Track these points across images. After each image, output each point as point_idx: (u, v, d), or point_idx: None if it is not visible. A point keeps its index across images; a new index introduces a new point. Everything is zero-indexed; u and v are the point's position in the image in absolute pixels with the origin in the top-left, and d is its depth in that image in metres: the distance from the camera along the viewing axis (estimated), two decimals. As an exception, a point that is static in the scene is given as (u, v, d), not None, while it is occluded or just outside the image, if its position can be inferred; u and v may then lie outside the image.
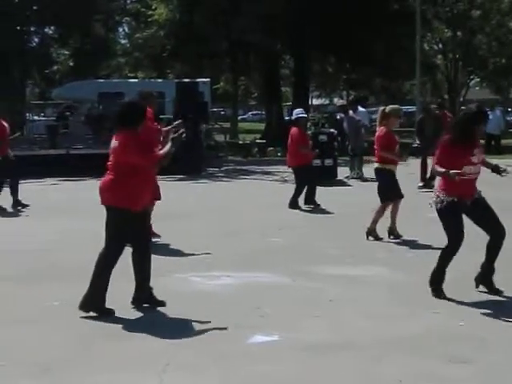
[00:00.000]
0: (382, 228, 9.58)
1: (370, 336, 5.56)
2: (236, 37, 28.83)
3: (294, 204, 12.50)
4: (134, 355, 5.18)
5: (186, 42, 31.27)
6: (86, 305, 6.10)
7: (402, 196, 9.59)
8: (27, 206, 12.78)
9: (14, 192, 12.80)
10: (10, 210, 12.63)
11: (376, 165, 9.68)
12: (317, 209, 12.44)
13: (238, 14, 27.23)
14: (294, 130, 12.79)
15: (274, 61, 35.54)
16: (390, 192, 9.49)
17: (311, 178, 12.69)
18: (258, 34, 27.60)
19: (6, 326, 5.90)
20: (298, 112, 13.14)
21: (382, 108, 9.86)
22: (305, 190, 12.62)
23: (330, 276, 7.54)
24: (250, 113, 70.71)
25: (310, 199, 12.58)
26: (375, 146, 9.63)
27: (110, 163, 6.32)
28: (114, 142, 6.29)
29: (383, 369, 4.93)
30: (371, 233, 9.52)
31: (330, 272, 7.71)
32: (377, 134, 9.61)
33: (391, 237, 9.54)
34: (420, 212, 10.17)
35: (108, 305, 6.17)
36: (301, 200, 12.60)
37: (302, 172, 12.67)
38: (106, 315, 6.07)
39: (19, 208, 12.71)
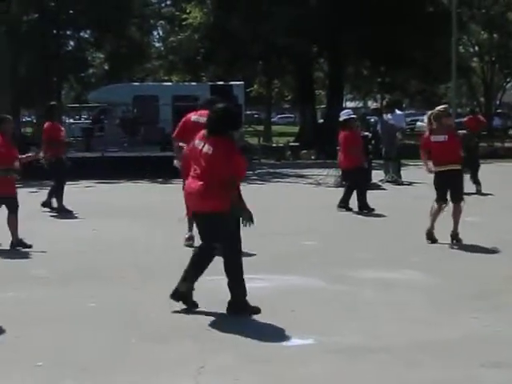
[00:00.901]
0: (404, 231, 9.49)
1: (405, 340, 5.53)
2: (270, 40, 28.84)
3: (343, 205, 12.44)
4: (170, 357, 5.20)
5: (220, 45, 31.40)
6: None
7: (444, 201, 9.46)
8: (55, 209, 12.86)
9: (55, 194, 12.85)
10: (44, 211, 12.74)
11: (452, 166, 9.60)
12: (351, 212, 12.37)
13: (273, 16, 27.23)
14: (343, 131, 12.67)
15: (308, 63, 35.51)
16: (437, 194, 9.43)
17: (360, 181, 12.61)
18: (293, 36, 27.58)
19: (43, 326, 5.95)
20: (346, 113, 13.02)
21: (429, 113, 9.80)
22: (343, 194, 12.55)
23: (364, 279, 7.50)
24: (278, 116, 70.57)
25: (364, 203, 12.48)
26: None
27: (201, 169, 6.27)
28: (206, 148, 6.23)
29: (418, 373, 4.89)
30: (429, 235, 9.46)
31: (364, 275, 7.67)
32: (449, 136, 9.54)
33: (453, 240, 9.46)
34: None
35: (149, 306, 6.19)
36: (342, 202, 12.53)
37: (353, 174, 12.59)
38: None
39: (50, 210, 12.80)
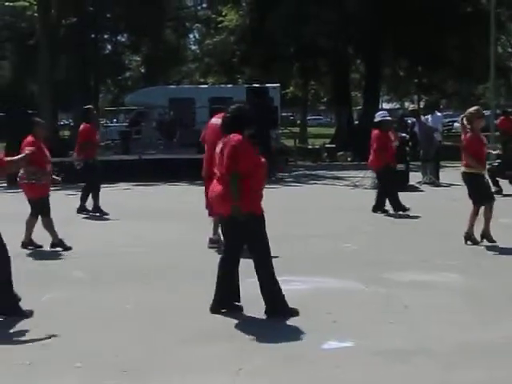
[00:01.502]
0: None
1: (445, 343, 5.47)
2: (306, 41, 28.79)
3: (378, 207, 12.37)
4: (208, 358, 5.21)
5: (255, 47, 31.43)
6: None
7: (492, 199, 9.39)
8: (90, 211, 12.95)
9: (92, 196, 12.97)
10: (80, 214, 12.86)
11: (463, 169, 9.51)
12: (387, 214, 12.28)
13: (309, 18, 27.17)
14: (375, 132, 12.60)
15: (344, 65, 35.39)
16: (480, 196, 9.32)
17: (389, 182, 12.53)
18: (330, 38, 27.50)
19: (82, 327, 6.02)
20: (381, 114, 12.93)
21: (462, 116, 9.71)
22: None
23: (403, 282, 7.45)
24: (308, 117, 70.01)
25: (396, 204, 12.39)
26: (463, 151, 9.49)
27: (220, 171, 6.31)
28: (220, 149, 6.28)
29: (457, 376, 4.84)
30: (469, 237, 9.36)
31: (403, 278, 7.62)
32: (464, 139, 9.45)
33: (483, 240, 9.36)
34: (494, 217, 9.94)
35: (187, 307, 6.24)
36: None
37: (384, 173, 12.52)
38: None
39: (84, 213, 12.90)
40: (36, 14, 30.62)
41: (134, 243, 9.91)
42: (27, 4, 32.70)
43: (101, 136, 30.85)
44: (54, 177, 9.92)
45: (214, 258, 8.31)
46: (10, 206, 12.99)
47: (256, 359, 5.18)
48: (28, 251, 9.48)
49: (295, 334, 5.73)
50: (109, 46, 48.65)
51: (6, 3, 36.26)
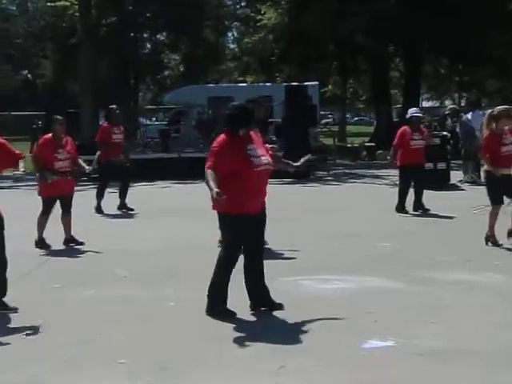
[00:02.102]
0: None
1: (487, 343, 5.39)
2: (345, 39, 28.64)
3: (400, 208, 12.26)
4: (248, 357, 5.20)
5: (294, 46, 31.37)
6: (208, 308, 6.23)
7: (500, 202, 9.19)
8: (132, 209, 13.06)
9: (97, 194, 13.07)
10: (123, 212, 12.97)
11: (485, 167, 9.41)
12: (426, 213, 12.15)
13: (348, 15, 27.03)
14: (405, 128, 12.45)
15: (384, 63, 35.15)
16: (493, 195, 9.16)
17: (416, 181, 12.40)
18: (369, 35, 27.32)
19: (124, 324, 6.06)
20: (412, 111, 12.75)
21: (489, 111, 9.53)
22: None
23: (444, 282, 7.35)
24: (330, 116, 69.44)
25: (401, 204, 12.28)
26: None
27: None
28: None
29: (500, 376, 4.77)
30: (489, 238, 9.22)
31: (444, 278, 7.52)
32: (484, 137, 9.32)
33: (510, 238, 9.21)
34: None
35: (228, 305, 6.24)
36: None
37: (404, 172, 12.38)
38: (229, 317, 6.13)
39: (126, 211, 12.99)
40: (77, 14, 30.98)
41: (174, 241, 9.95)
42: (68, 4, 33.13)
43: (140, 135, 31.14)
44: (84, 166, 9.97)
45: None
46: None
47: (296, 358, 5.15)
48: (66, 248, 9.58)
49: (336, 334, 5.70)
50: (148, 45, 48.99)
51: (48, 3, 36.76)
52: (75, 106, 26.29)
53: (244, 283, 6.36)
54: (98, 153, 12.99)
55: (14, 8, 68.03)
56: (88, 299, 6.92)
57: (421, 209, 12.29)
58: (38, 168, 9.47)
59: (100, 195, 12.99)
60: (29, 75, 71.25)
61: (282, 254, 8.87)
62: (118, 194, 13.21)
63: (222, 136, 6.17)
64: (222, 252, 6.28)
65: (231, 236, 6.22)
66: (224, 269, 6.24)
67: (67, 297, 7.01)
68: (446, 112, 19.91)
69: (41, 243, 9.58)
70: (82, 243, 9.71)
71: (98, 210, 12.88)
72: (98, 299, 6.90)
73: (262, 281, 6.37)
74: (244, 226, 6.13)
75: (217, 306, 6.20)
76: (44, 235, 9.60)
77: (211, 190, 5.81)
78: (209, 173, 5.94)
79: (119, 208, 13.06)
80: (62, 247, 9.60)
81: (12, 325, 6.09)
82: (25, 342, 5.60)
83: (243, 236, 6.21)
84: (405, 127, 12.42)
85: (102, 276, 7.91)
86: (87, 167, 10.12)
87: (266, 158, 6.25)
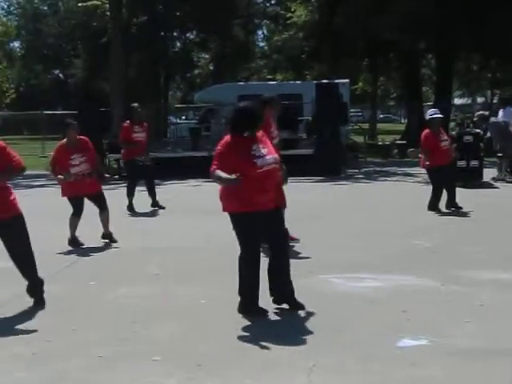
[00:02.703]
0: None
1: (524, 343, 5.33)
2: (376, 36, 28.48)
3: (432, 206, 12.17)
4: (282, 354, 5.20)
5: (324, 43, 31.28)
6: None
7: None
8: (163, 207, 13.11)
9: (153, 193, 13.18)
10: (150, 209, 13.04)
11: None
12: (459, 212, 12.03)
13: (380, 13, 26.88)
14: (424, 132, 12.32)
15: (415, 60, 34.91)
16: None
17: (448, 181, 12.28)
18: (400, 32, 27.13)
19: (158, 321, 6.08)
20: (432, 112, 12.59)
21: None
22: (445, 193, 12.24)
23: (480, 280, 7.28)
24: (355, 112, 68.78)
25: (451, 202, 12.16)
26: None
27: None
28: None
29: (539, 378, 4.71)
30: None
31: (480, 276, 7.45)
32: None
33: None
34: None
35: (260, 303, 6.22)
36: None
37: (435, 173, 12.28)
38: (261, 315, 6.13)
39: (157, 209, 13.05)
40: (108, 13, 31.19)
41: (205, 239, 9.97)
42: (99, 3, 33.35)
43: (170, 133, 31.25)
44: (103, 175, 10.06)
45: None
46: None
47: (329, 357, 5.13)
48: (100, 246, 9.66)
49: (369, 332, 5.67)
50: (178, 44, 49.16)
51: (79, 3, 37.06)
52: (106, 105, 26.50)
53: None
54: (123, 152, 13.10)
55: (46, 8, 68.77)
56: (122, 296, 6.96)
57: (454, 207, 12.18)
58: (54, 175, 9.60)
59: (130, 194, 13.07)
60: (60, 74, 72.01)
61: (315, 252, 8.85)
62: (147, 193, 13.27)
63: (227, 137, 6.16)
64: (240, 252, 6.28)
65: (242, 235, 6.20)
66: (246, 268, 6.21)
67: (102, 294, 7.07)
68: (474, 119, 19.72)
69: (73, 242, 9.67)
70: (115, 241, 9.78)
71: (130, 208, 12.96)
72: (132, 296, 6.94)
73: (284, 279, 6.30)
74: (252, 223, 6.11)
75: (248, 305, 6.20)
76: (77, 234, 9.69)
77: (228, 180, 5.84)
78: (216, 172, 5.97)
79: (152, 206, 13.14)
80: (96, 245, 9.67)
81: (47, 321, 6.15)
82: (60, 338, 5.65)
83: (255, 234, 6.19)
84: (426, 130, 12.21)
85: (136, 273, 7.96)
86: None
87: (272, 157, 6.18)
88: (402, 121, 67.95)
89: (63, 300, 6.87)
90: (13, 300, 6.86)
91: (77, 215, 9.69)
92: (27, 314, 6.34)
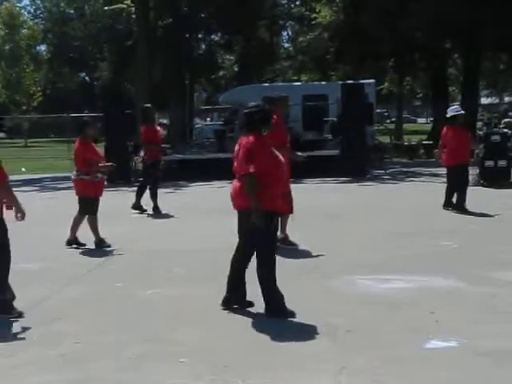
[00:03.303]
0: None
1: (555, 345, 5.26)
2: (402, 36, 28.31)
3: (460, 206, 12.07)
4: (310, 356, 5.18)
5: (350, 43, 31.17)
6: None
7: None
8: (145, 210, 13.08)
9: (154, 196, 13.16)
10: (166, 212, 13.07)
11: None
12: (483, 212, 11.95)
13: (406, 13, 26.72)
14: (450, 128, 12.22)
15: (441, 59, 34.67)
16: None
17: (463, 180, 12.20)
18: (426, 32, 26.95)
19: (185, 324, 6.09)
20: (454, 109, 12.44)
21: None
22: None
23: (507, 281, 7.21)
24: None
25: (461, 202, 12.09)
26: None
27: (234, 169, 6.45)
28: (236, 147, 6.37)
29: None
30: None
31: (507, 277, 7.37)
32: None
33: None
34: None
35: (287, 304, 6.21)
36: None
37: (456, 172, 12.19)
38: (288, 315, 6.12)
39: (137, 211, 13.02)
40: (133, 16, 31.34)
41: (230, 239, 9.94)
42: (125, 6, 33.53)
43: (195, 135, 31.30)
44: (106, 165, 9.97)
45: (312, 254, 8.33)
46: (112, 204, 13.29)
47: (358, 358, 5.10)
48: (126, 247, 9.69)
49: (397, 333, 5.63)
50: (203, 46, 49.24)
51: (105, 7, 37.28)
52: (131, 107, 26.60)
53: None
54: (142, 154, 13.13)
55: (72, 11, 69.29)
56: (149, 298, 6.98)
57: (451, 207, 12.09)
58: (95, 169, 9.61)
59: (154, 195, 13.12)
60: (86, 77, 72.54)
61: (341, 253, 8.81)
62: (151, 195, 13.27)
63: (251, 137, 6.15)
64: (261, 253, 6.26)
65: (267, 234, 6.20)
66: (271, 269, 6.21)
67: (128, 295, 7.09)
68: (501, 126, 19.55)
69: (99, 243, 9.71)
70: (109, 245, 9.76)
71: (156, 209, 13.01)
72: (158, 298, 6.96)
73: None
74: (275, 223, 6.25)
75: (275, 304, 6.17)
76: (103, 236, 9.73)
77: (255, 199, 5.94)
78: (253, 181, 6.00)
79: (154, 210, 13.13)
80: (120, 247, 9.70)
81: (75, 323, 6.18)
82: (88, 340, 5.68)
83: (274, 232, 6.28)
84: (452, 128, 12.09)
85: (161, 275, 7.97)
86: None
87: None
88: (420, 121, 67.54)
89: (90, 302, 6.91)
90: (41, 302, 6.91)
91: (95, 215, 9.73)
92: (55, 316, 6.38)
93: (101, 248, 9.60)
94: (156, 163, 13.31)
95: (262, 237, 6.15)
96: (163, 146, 13.99)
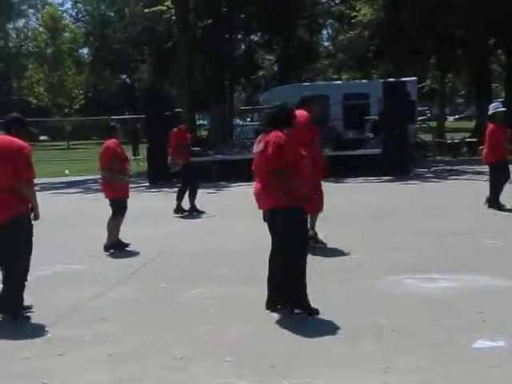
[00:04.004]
0: None
1: None
2: (444, 33, 28.01)
3: (495, 203, 11.94)
4: (355, 356, 5.15)
5: (391, 41, 30.95)
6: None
7: None
8: (186, 211, 13.16)
9: (182, 196, 13.22)
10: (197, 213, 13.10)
11: None
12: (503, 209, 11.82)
13: (447, 10, 26.42)
14: (490, 125, 12.10)
15: (484, 56, 34.22)
16: None
17: (504, 176, 12.06)
18: (468, 29, 26.62)
19: (230, 324, 6.10)
20: (494, 106, 12.36)
21: None
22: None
23: (557, 280, 7.08)
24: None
25: (494, 198, 11.98)
26: None
27: (256, 169, 6.52)
28: (259, 147, 6.35)
29: None
30: None
31: (557, 276, 7.24)
32: None
33: None
34: None
35: (328, 304, 6.20)
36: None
37: (496, 169, 12.05)
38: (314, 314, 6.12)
39: (180, 213, 13.08)
40: (173, 18, 31.49)
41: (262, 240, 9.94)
42: (165, 8, 33.70)
43: (236, 135, 31.30)
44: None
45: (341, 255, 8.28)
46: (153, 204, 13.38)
47: (404, 358, 5.06)
48: (170, 248, 9.74)
49: (444, 333, 5.57)
50: (242, 46, 49.33)
51: (146, 9, 37.55)
52: (172, 109, 26.74)
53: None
54: (169, 160, 13.22)
55: (112, 14, 70.02)
56: (193, 298, 7.01)
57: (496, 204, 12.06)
58: (126, 170, 9.79)
59: (193, 196, 13.19)
60: (127, 79, 73.21)
61: (386, 253, 8.74)
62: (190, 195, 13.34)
63: (279, 133, 6.18)
64: (294, 252, 6.24)
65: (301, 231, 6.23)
66: (303, 268, 6.21)
67: (173, 296, 7.13)
68: None
69: (113, 247, 9.73)
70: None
71: (195, 210, 13.08)
72: (203, 298, 6.98)
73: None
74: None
75: (302, 301, 6.16)
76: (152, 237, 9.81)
77: (298, 189, 6.00)
78: (286, 173, 6.02)
79: (190, 211, 13.21)
80: (164, 248, 9.75)
81: (121, 323, 6.23)
82: (134, 340, 5.72)
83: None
84: (492, 125, 12.01)
85: (205, 275, 8.00)
86: None
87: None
88: (450, 119, 66.66)
89: (136, 302, 6.95)
90: (87, 302, 6.98)
91: (123, 216, 9.80)
92: (102, 316, 6.44)
93: (107, 251, 9.63)
94: (188, 166, 13.35)
95: (294, 234, 6.16)
96: (194, 148, 14.07)
